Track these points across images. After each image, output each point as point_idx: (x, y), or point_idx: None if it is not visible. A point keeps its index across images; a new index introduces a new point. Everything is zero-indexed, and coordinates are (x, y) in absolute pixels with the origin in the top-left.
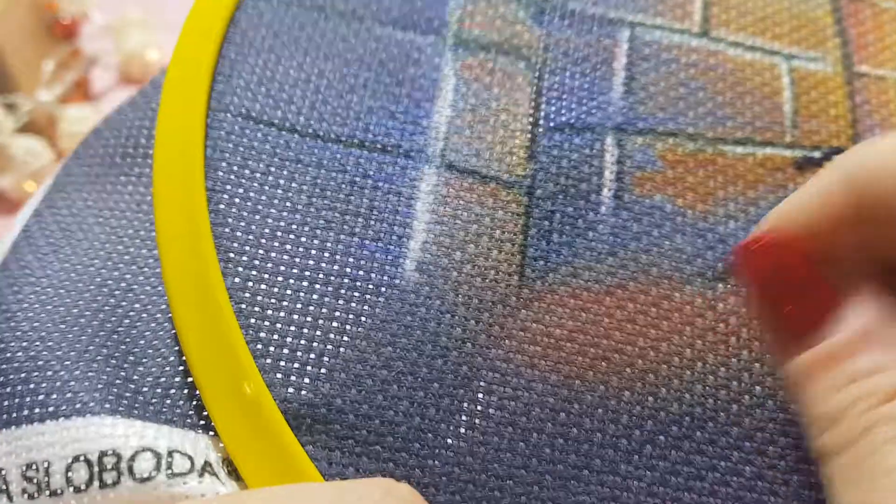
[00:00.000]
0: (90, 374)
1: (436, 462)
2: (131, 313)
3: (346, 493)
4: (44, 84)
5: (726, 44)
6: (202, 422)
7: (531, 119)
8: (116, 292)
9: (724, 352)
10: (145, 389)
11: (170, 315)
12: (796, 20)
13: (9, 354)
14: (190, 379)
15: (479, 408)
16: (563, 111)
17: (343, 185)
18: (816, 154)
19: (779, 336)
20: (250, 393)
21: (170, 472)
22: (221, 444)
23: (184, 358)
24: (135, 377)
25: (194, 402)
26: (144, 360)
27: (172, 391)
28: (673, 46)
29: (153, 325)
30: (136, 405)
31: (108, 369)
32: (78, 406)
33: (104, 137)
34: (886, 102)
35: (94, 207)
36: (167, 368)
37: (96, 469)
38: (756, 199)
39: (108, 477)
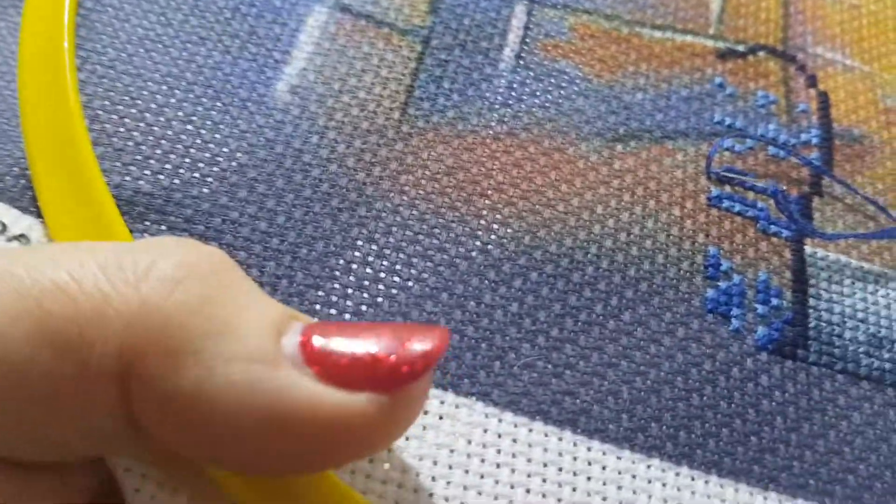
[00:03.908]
0: None
1: (276, 264)
2: None
3: (144, 241)
4: None
5: None
6: (38, 209)
7: None
8: None
9: (616, 205)
10: None
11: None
12: None
13: None
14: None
15: (335, 224)
16: None
17: (225, 10)
18: (741, 47)
19: None
20: (79, 173)
21: None
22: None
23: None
24: None
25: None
26: None
27: (8, 178)
28: None
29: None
30: None
31: None
32: None
33: None
34: (822, 17)
35: None
36: (9, 159)
37: None
38: (670, 77)
39: None
